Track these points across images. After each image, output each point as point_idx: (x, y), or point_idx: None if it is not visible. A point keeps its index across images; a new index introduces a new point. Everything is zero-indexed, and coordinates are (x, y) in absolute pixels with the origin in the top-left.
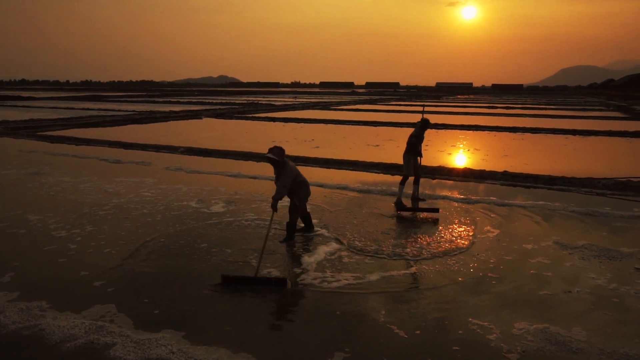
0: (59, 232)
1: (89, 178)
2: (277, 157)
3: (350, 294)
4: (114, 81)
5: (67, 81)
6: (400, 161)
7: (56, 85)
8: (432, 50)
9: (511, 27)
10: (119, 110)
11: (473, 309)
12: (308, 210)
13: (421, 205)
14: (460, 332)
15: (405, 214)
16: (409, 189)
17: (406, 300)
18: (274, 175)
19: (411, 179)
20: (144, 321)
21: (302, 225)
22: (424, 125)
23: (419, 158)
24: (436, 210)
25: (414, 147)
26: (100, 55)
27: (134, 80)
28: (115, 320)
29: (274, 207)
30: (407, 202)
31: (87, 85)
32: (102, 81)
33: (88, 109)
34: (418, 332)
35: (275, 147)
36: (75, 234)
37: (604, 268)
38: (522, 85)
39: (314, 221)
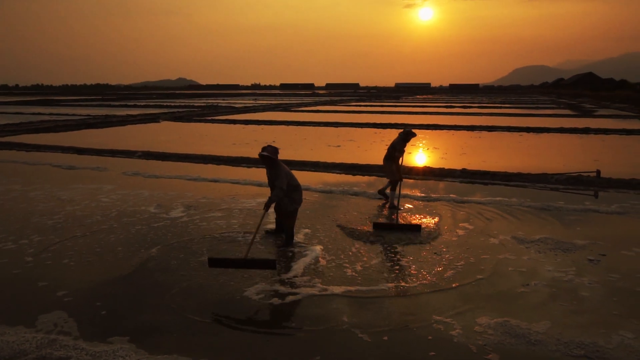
0: (6, 243)
1: (40, 186)
2: (271, 155)
3: (318, 301)
4: (66, 85)
5: (16, 85)
6: (361, 161)
7: (4, 90)
8: (391, 51)
9: (467, 29)
10: (73, 115)
11: (436, 306)
12: None
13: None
14: (424, 330)
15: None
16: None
17: (371, 303)
18: (267, 176)
19: (405, 180)
20: (99, 332)
21: (274, 228)
22: (405, 137)
23: (398, 166)
24: (417, 229)
25: (391, 156)
26: (52, 57)
27: (88, 83)
28: (69, 333)
29: (267, 207)
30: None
31: (37, 89)
32: (54, 85)
33: (39, 114)
34: (385, 338)
35: (270, 145)
36: (24, 245)
37: (559, 260)
38: (478, 85)
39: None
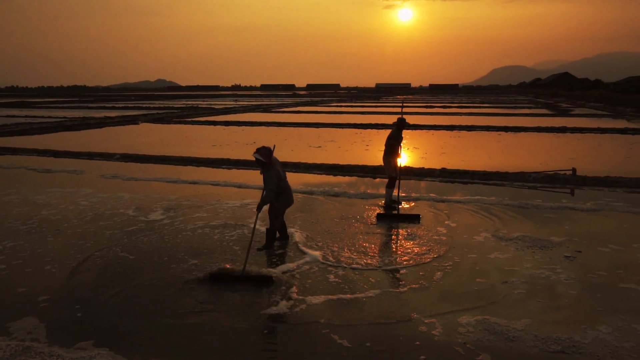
0: None
1: (15, 190)
2: (263, 159)
3: (298, 304)
4: (42, 86)
5: None
6: (342, 161)
7: None
8: (371, 52)
9: (446, 29)
10: (49, 117)
11: (417, 306)
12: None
13: (400, 208)
14: (406, 329)
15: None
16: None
17: (353, 305)
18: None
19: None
20: (75, 338)
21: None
22: (400, 125)
23: (398, 160)
24: (416, 217)
25: (392, 148)
26: (27, 59)
27: (65, 85)
28: (45, 340)
29: (259, 209)
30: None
31: (12, 91)
32: (29, 87)
33: (14, 116)
34: (368, 344)
35: (263, 147)
36: None
37: (537, 258)
38: (457, 85)
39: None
